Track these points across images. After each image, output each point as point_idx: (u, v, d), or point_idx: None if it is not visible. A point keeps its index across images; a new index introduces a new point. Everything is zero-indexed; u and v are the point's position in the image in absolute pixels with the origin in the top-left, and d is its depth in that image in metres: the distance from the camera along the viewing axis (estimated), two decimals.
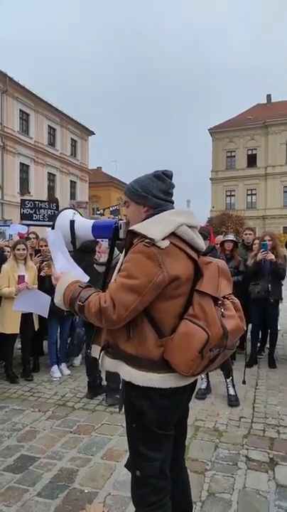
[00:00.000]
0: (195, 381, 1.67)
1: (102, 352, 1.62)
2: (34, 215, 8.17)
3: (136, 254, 1.46)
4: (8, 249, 5.27)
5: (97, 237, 1.95)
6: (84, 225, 1.89)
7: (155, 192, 1.60)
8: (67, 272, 1.71)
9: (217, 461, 2.78)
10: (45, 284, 4.51)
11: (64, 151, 31.01)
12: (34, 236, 6.05)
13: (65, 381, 4.52)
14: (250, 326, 5.05)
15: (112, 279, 1.61)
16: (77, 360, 5.18)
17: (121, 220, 1.79)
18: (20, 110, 26.24)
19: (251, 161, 37.32)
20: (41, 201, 8.50)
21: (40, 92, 27.27)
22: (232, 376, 3.93)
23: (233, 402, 3.77)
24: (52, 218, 7.78)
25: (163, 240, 1.45)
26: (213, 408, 3.69)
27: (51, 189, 29.46)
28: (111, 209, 15.33)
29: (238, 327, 1.53)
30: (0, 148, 24.30)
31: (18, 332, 4.52)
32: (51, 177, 29.84)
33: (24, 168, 26.85)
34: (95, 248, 2.33)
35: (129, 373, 1.50)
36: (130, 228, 1.54)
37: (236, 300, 1.60)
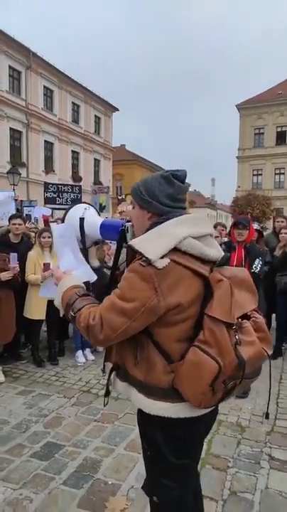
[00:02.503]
0: (217, 408, 1.53)
1: (113, 372, 1.52)
2: (57, 198, 8.21)
3: (131, 274, 1.32)
4: (34, 234, 5.35)
5: (105, 237, 1.85)
6: (94, 223, 1.80)
7: (160, 197, 1.41)
8: (69, 273, 1.63)
9: (239, 458, 2.79)
10: None
11: (87, 128, 30.73)
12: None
13: (89, 367, 4.61)
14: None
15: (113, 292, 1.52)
16: None
17: (128, 222, 1.65)
18: (44, 86, 26.00)
19: (281, 138, 35.84)
20: (64, 185, 8.53)
21: (63, 67, 26.92)
22: None
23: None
24: (75, 202, 7.83)
25: (161, 258, 1.28)
26: (236, 402, 3.68)
27: (75, 167, 29.41)
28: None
29: (259, 354, 1.34)
30: (25, 125, 24.34)
31: (44, 318, 4.62)
32: (75, 155, 29.71)
33: (48, 146, 26.82)
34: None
35: (140, 400, 1.41)
36: (129, 243, 1.40)
37: (260, 318, 1.43)
